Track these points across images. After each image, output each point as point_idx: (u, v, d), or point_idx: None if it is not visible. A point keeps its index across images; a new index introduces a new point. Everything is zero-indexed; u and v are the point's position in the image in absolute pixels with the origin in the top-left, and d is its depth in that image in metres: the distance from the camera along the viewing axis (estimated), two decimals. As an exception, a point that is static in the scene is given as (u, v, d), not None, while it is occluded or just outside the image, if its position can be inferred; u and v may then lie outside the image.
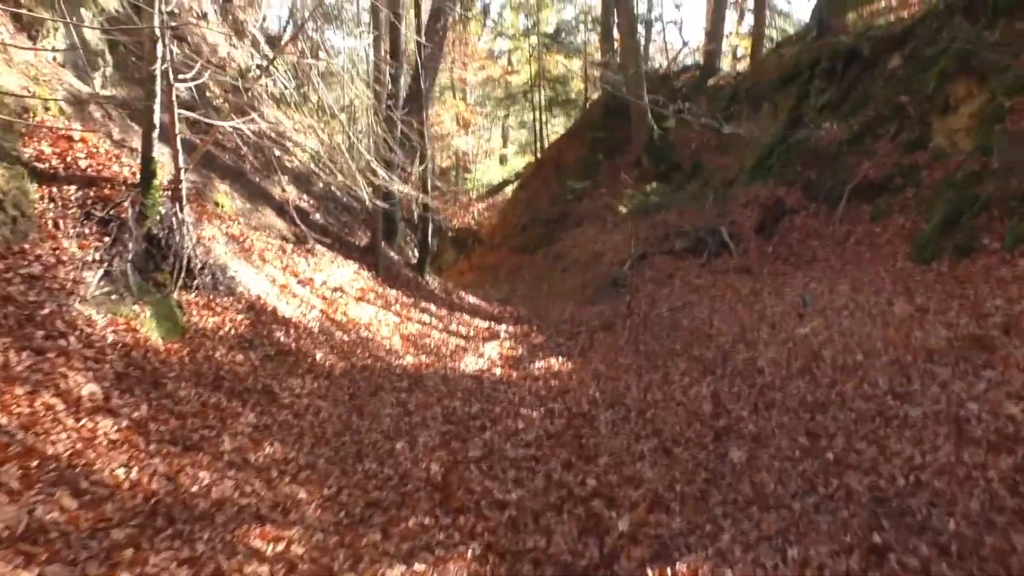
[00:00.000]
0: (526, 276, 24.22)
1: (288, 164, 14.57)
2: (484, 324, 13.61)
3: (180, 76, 7.81)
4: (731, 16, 31.04)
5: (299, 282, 10.42)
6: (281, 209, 11.65)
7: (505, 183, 34.31)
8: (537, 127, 31.39)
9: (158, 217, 7.78)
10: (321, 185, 14.55)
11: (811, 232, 14.86)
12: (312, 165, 14.99)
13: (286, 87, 15.99)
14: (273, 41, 18.79)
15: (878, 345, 8.57)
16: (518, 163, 37.02)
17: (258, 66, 17.89)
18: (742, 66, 26.96)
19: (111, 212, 7.11)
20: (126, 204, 7.19)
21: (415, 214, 23.79)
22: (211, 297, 8.42)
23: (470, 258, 31.37)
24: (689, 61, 30.68)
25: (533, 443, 7.89)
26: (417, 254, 21.13)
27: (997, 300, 8.66)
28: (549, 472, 7.16)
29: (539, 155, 31.36)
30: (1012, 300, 8.46)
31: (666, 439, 7.71)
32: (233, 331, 8.14)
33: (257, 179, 12.03)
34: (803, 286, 12.25)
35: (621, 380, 10.07)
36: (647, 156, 24.41)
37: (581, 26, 31.00)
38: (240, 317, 8.47)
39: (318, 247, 11.86)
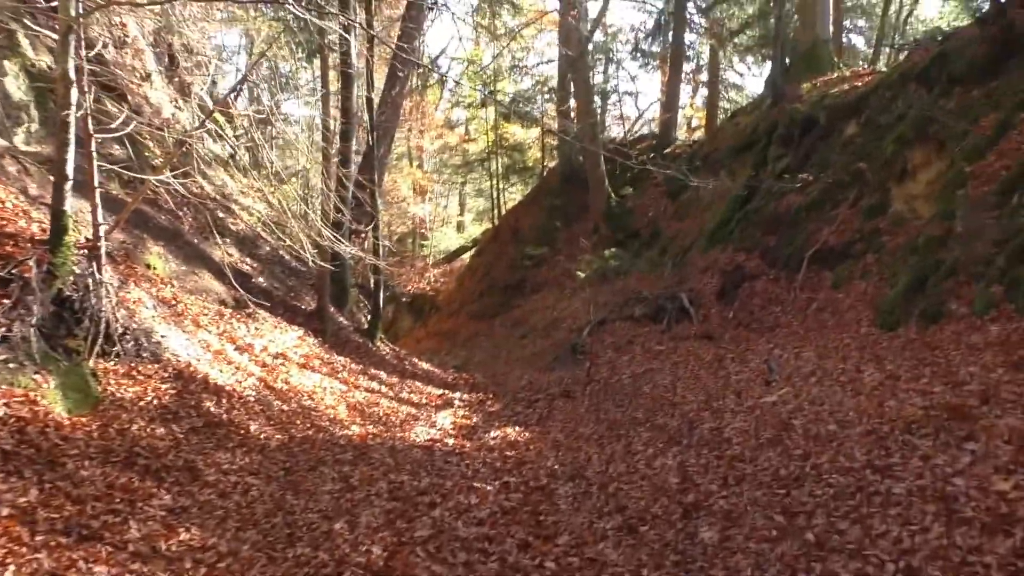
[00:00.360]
0: (484, 343, 23.56)
1: (232, 227, 13.87)
2: (437, 391, 12.86)
3: (104, 127, 7.14)
4: (685, 89, 31.20)
5: (237, 348, 9.64)
6: (221, 272, 10.91)
7: (462, 249, 33.82)
8: (494, 194, 31.08)
9: (70, 277, 7.03)
10: (268, 248, 13.87)
11: (772, 298, 14.41)
12: (259, 228, 14.31)
13: (235, 151, 15.38)
14: (223, 104, 18.25)
15: (851, 415, 7.99)
16: (476, 230, 36.63)
17: (201, 124, 17.32)
18: (697, 135, 26.95)
19: (12, 271, 6.35)
20: (31, 263, 6.43)
21: (370, 280, 23.15)
22: (133, 364, 7.63)
23: (427, 324, 30.65)
24: (645, 131, 30.71)
25: (487, 520, 7.14)
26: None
27: (971, 367, 8.15)
28: (504, 554, 6.42)
29: (496, 222, 30.97)
30: (987, 368, 7.95)
31: (631, 516, 7.01)
32: (156, 401, 7.33)
33: (196, 240, 11.30)
34: (767, 352, 11.72)
35: (581, 451, 9.38)
36: (605, 223, 24.10)
37: (538, 96, 30.98)
38: (165, 386, 7.67)
39: (260, 312, 11.10)
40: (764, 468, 7.31)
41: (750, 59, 27.76)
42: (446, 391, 13.02)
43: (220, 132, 17.68)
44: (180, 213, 11.73)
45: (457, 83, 30.88)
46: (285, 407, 8.88)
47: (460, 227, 38.87)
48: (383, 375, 12.61)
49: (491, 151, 30.52)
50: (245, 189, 17.15)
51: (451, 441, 9.90)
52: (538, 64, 31.49)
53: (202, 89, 16.63)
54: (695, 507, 6.91)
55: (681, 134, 28.80)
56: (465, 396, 12.91)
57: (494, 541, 6.66)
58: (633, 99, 37.80)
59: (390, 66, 24.12)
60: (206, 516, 5.93)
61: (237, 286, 10.44)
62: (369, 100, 14.62)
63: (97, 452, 5.98)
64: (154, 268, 9.70)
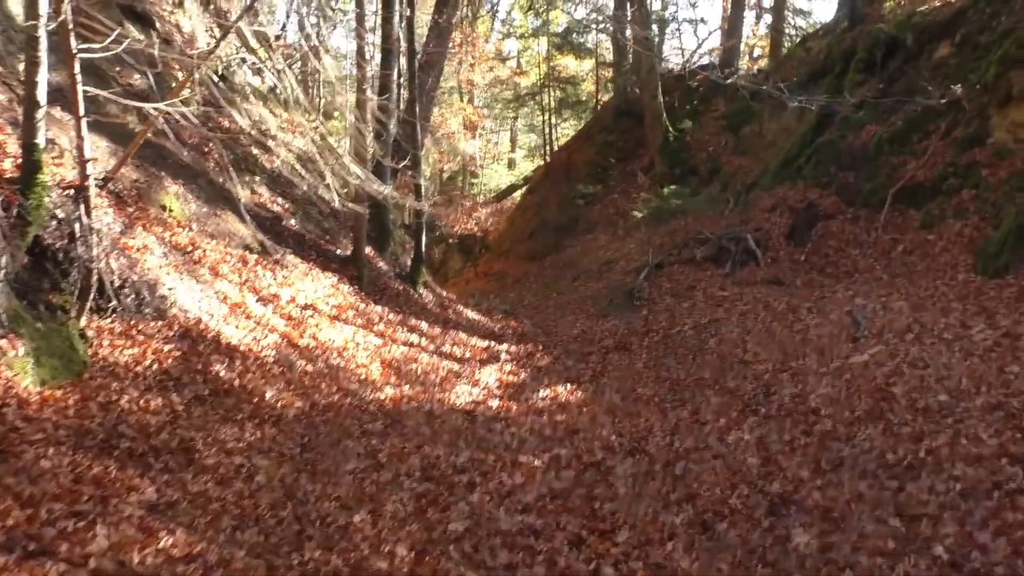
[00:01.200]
0: (534, 285, 22.38)
1: (267, 165, 12.72)
2: (483, 344, 11.73)
3: (86, 46, 5.96)
4: (748, 16, 29.06)
5: (259, 300, 8.56)
6: (248, 214, 9.83)
7: (513, 188, 32.43)
8: (546, 130, 29.54)
9: (53, 222, 5.95)
10: (305, 188, 12.74)
11: (850, 240, 12.95)
12: (295, 165, 13.19)
13: (276, 84, 14.23)
14: (263, 36, 17.02)
15: (963, 382, 6.66)
16: (527, 167, 35.15)
17: (212, 49, 16.14)
18: (761, 65, 25.01)
19: (-32, 216, 5.27)
20: (-6, 205, 5.34)
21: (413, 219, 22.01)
22: (132, 322, 6.57)
23: (477, 265, 29.53)
24: (705, 62, 28.78)
25: (533, 507, 6.01)
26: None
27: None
28: (552, 554, 5.30)
29: (548, 159, 29.50)
30: None
31: (704, 508, 5.81)
32: (155, 366, 6.26)
33: (221, 179, 10.19)
34: (849, 302, 10.34)
35: (641, 417, 8.19)
36: (661, 159, 22.51)
37: (593, 27, 29.16)
38: (168, 347, 6.59)
39: (289, 257, 10.02)
40: (866, 451, 6.04)
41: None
42: (492, 342, 11.88)
43: (259, 63, 16.56)
44: (206, 149, 10.58)
45: (508, 13, 29.21)
46: (310, 368, 7.79)
47: (511, 164, 37.43)
48: (424, 326, 11.49)
49: (543, 84, 28.89)
50: (285, 124, 16.01)
51: (495, 403, 8.79)
52: (593, -9, 29.56)
53: (242, 17, 15.43)
54: (783, 500, 5.67)
55: (743, 64, 26.83)
56: (512, 348, 11.77)
57: (542, 536, 5.55)
58: (693, 28, 35.50)
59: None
60: (197, 512, 4.85)
61: (264, 229, 9.37)
62: (410, 21, 13.26)
63: (68, 435, 4.93)
64: (170, 210, 8.62)
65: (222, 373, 6.72)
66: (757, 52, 29.80)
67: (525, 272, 24.39)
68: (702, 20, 37.67)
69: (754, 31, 30.69)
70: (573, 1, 30.28)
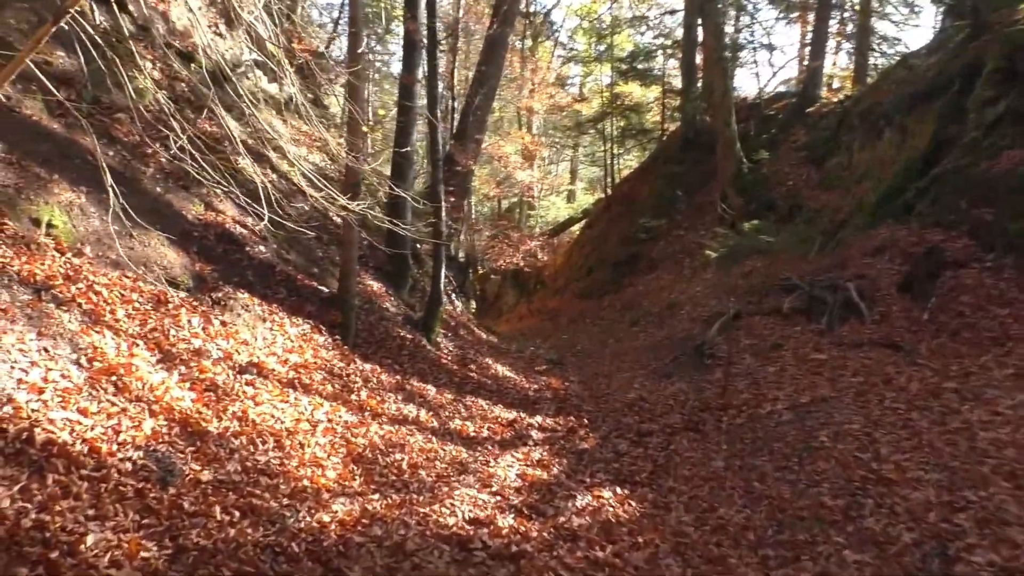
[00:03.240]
0: (589, 327, 19.23)
1: (258, 179, 9.87)
2: (509, 415, 8.57)
3: None
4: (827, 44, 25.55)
5: (162, 361, 5.49)
6: (187, 236, 6.94)
7: (571, 221, 29.30)
8: (608, 160, 26.40)
9: None
10: (304, 207, 9.85)
11: (993, 296, 9.50)
12: (303, 180, 10.31)
13: (297, 94, 11.47)
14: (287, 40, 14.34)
15: None
16: (586, 200, 31.98)
17: (256, 62, 13.48)
18: (847, 92, 21.53)
19: None
20: None
21: (458, 252, 19.00)
22: None
23: (531, 302, 26.51)
24: (782, 90, 25.38)
25: None
26: (461, 303, 16.25)
27: None
28: None
29: (609, 191, 26.32)
30: None
31: None
32: None
33: (160, 190, 7.31)
34: (1020, 387, 6.98)
35: (729, 566, 4.98)
36: (734, 192, 19.15)
37: (659, 52, 26.05)
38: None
39: (239, 297, 7.05)
40: None
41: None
42: (522, 413, 8.71)
43: (285, 74, 13.95)
44: (149, 151, 7.69)
45: (570, 37, 26.27)
46: (206, 475, 4.71)
47: (570, 197, 34.33)
48: (430, 391, 8.39)
49: (605, 112, 25.83)
50: (299, 136, 13.23)
51: (508, 521, 5.64)
52: (661, 15, 26.45)
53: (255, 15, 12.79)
54: None
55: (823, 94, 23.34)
56: (548, 421, 8.61)
57: None
58: (768, 53, 32.13)
59: (495, 3, 19.87)
60: None
61: (199, 256, 6.44)
62: (432, 29, 10.23)
63: None
64: (52, 226, 5.77)
65: (11, 504, 3.71)
66: (836, 83, 26.23)
67: (580, 311, 21.30)
68: (773, 47, 33.99)
69: (834, 61, 27.17)
70: (638, 26, 27.25)
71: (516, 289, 28.93)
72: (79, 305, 5.35)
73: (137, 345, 5.43)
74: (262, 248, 8.03)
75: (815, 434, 7.02)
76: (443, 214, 9.57)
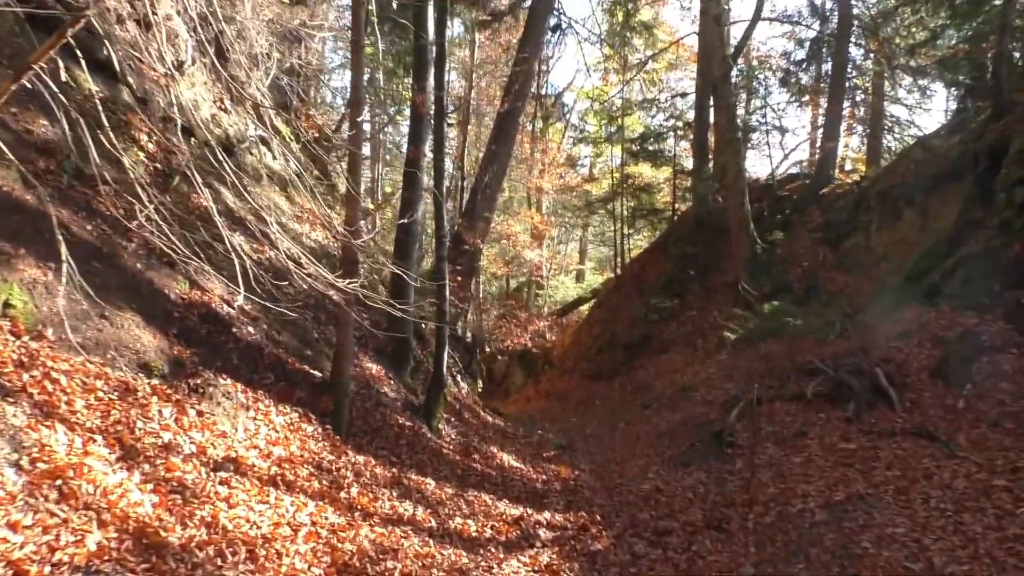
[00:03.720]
0: (599, 409, 18.44)
1: (251, 256, 9.31)
2: (515, 511, 7.79)
3: None
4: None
5: (123, 458, 4.67)
6: (167, 317, 6.32)
7: (580, 300, 28.66)
8: (618, 240, 25.92)
9: None
10: (302, 285, 9.27)
11: (1037, 383, 8.81)
12: (302, 259, 9.81)
13: (292, 165, 11.08)
14: (284, 107, 14.05)
15: None
16: (595, 280, 31.42)
17: (261, 138, 13.13)
18: (854, 179, 21.12)
19: None
20: None
21: (464, 332, 18.36)
22: None
23: (539, 382, 25.69)
24: (794, 171, 25.06)
25: None
26: (465, 385, 15.52)
27: None
28: None
29: (619, 270, 25.79)
30: None
31: None
32: None
33: (141, 267, 6.73)
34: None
35: None
36: (748, 273, 18.55)
37: (670, 134, 25.84)
38: None
39: (220, 384, 6.39)
40: None
41: (923, 82, 21.75)
42: (528, 509, 7.92)
43: (286, 145, 13.62)
44: (132, 224, 7.14)
45: (581, 118, 26.11)
46: None
47: (579, 276, 33.83)
48: (429, 484, 7.61)
49: (616, 191, 25.48)
50: (302, 213, 12.76)
51: (512, 644, 4.87)
52: (672, 98, 26.31)
53: (258, 88, 12.49)
54: None
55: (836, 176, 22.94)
56: (557, 517, 7.83)
57: None
58: (780, 135, 31.99)
59: (506, 85, 19.74)
60: None
61: (177, 339, 5.80)
62: (439, 101, 9.84)
63: None
64: (11, 307, 5.15)
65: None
66: (848, 165, 25.91)
67: (590, 393, 20.51)
68: (784, 130, 33.70)
69: (846, 143, 26.90)
70: (649, 109, 27.14)
71: (524, 369, 28.16)
72: (30, 396, 4.67)
73: (94, 441, 4.72)
74: (250, 329, 7.32)
75: (855, 538, 6.23)
76: (447, 293, 8.98)
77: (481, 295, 29.81)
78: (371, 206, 19.65)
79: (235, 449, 5.70)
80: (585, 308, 27.95)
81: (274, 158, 13.69)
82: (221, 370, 6.37)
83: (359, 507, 6.11)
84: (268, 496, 5.40)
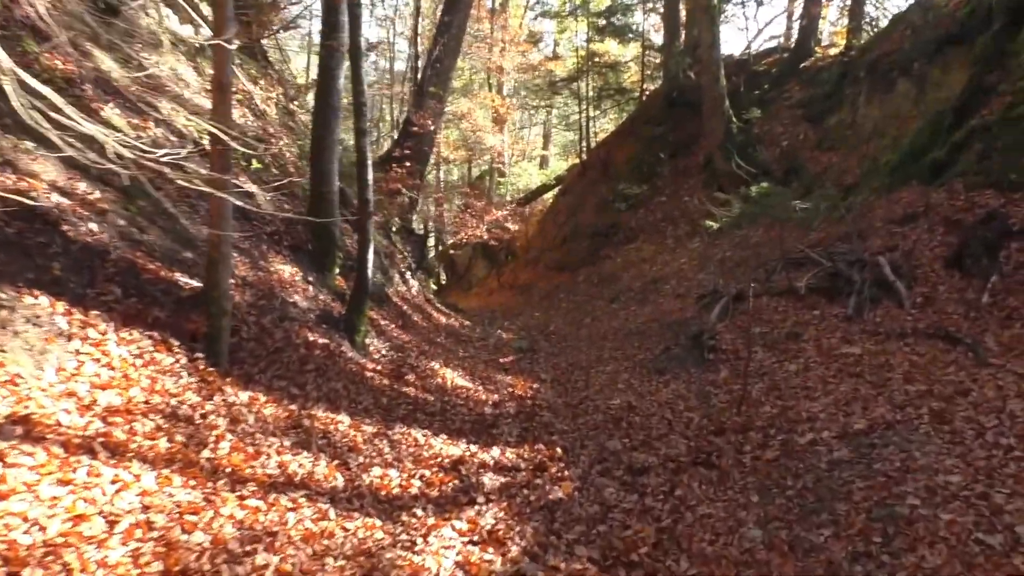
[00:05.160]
0: (564, 303, 16.81)
1: (133, 130, 7.19)
2: (455, 450, 6.03)
3: None
4: None
5: None
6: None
7: (544, 188, 26.59)
8: (583, 122, 23.65)
9: None
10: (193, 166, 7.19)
11: (1082, 273, 7.17)
12: (196, 126, 7.81)
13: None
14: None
15: None
16: (560, 167, 29.23)
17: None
18: (839, 49, 18.92)
19: None
20: None
21: (416, 224, 16.36)
22: None
23: (502, 275, 23.94)
24: (771, 46, 22.76)
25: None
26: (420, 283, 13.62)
27: None
28: None
29: (584, 155, 23.68)
30: None
31: None
32: None
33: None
34: None
35: None
36: (723, 155, 16.63)
37: (638, 5, 23.29)
38: None
39: (28, 301, 4.39)
40: None
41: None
42: (471, 447, 6.18)
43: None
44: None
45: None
46: None
47: (543, 163, 31.59)
48: (342, 423, 5.81)
49: (581, 69, 23.06)
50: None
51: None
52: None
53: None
54: None
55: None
56: (507, 455, 6.12)
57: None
58: (756, 6, 29.55)
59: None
60: None
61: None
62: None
63: None
64: None
65: None
66: (825, 40, 23.59)
67: (555, 285, 18.85)
68: (760, 2, 31.11)
69: (824, 15, 24.44)
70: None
71: (487, 261, 26.42)
72: None
73: None
74: (92, 227, 5.15)
75: (896, 490, 4.58)
76: (369, 175, 6.93)
77: (441, 183, 27.69)
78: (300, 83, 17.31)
79: (34, 400, 3.85)
80: (549, 196, 26.00)
81: (181, 23, 11.36)
82: (33, 284, 4.44)
83: (228, 470, 4.33)
84: (75, 472, 3.60)
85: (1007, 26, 10.49)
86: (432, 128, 15.12)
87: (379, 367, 7.13)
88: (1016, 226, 7.90)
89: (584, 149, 23.73)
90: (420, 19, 20.58)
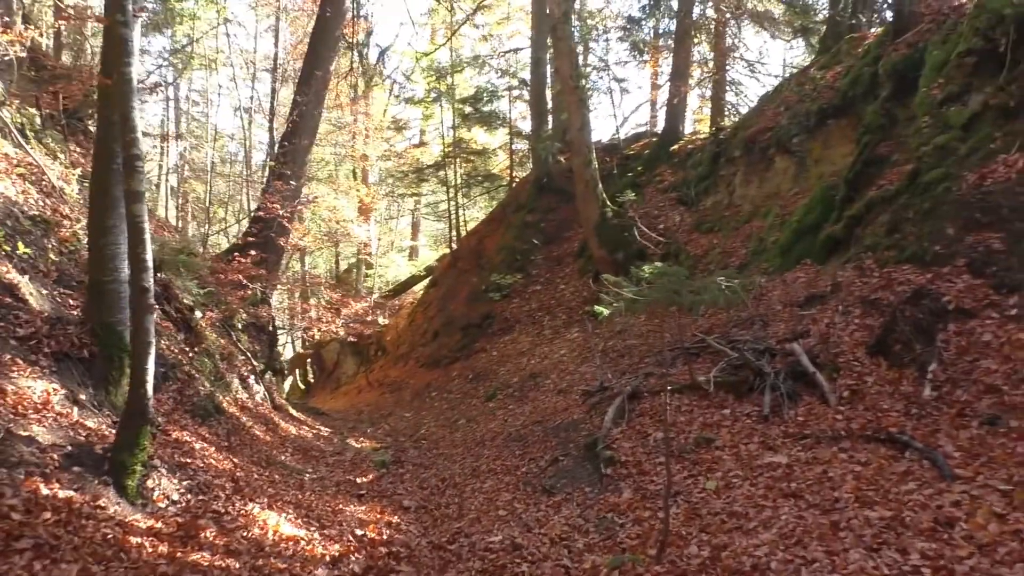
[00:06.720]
0: (437, 403, 14.90)
1: None
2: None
3: None
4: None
5: None
6: None
7: (414, 279, 24.75)
8: (452, 210, 22.16)
9: None
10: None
11: (1035, 356, 5.91)
12: None
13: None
14: None
15: None
16: (431, 257, 27.60)
17: None
18: (710, 130, 18.37)
19: None
20: None
21: (265, 321, 14.11)
22: None
23: (371, 371, 21.77)
24: (640, 131, 22.18)
25: None
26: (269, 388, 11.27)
27: None
28: None
29: (455, 245, 22.12)
30: None
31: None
32: None
33: None
34: None
35: None
36: (598, 240, 15.40)
37: (505, 93, 22.37)
38: None
39: None
40: None
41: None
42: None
43: None
44: None
45: (407, 77, 22.13)
46: None
47: (413, 253, 29.85)
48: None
49: (448, 155, 21.66)
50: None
51: None
52: (505, 53, 22.76)
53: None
54: None
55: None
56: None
57: None
58: (621, 95, 29.44)
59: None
60: None
61: None
62: None
63: None
64: None
65: None
66: (690, 128, 23.28)
67: (427, 383, 16.90)
68: (625, 89, 31.19)
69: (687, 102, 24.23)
70: (481, 68, 23.59)
71: (356, 357, 24.23)
72: None
73: None
74: None
75: None
76: (147, 252, 4.84)
77: (308, 277, 25.46)
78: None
79: None
80: (420, 288, 24.21)
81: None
82: None
83: None
84: None
85: (895, 93, 9.69)
86: (281, 212, 13.14)
87: (160, 524, 4.85)
88: (952, 304, 6.67)
89: (454, 238, 22.18)
90: (275, 101, 18.75)
